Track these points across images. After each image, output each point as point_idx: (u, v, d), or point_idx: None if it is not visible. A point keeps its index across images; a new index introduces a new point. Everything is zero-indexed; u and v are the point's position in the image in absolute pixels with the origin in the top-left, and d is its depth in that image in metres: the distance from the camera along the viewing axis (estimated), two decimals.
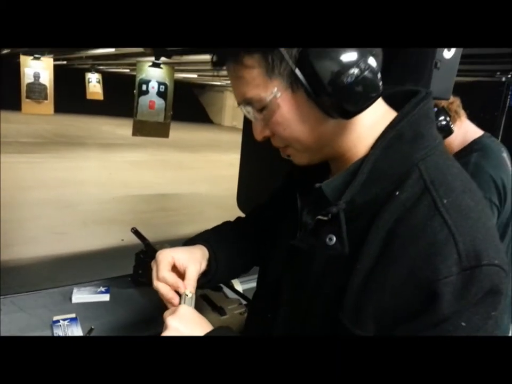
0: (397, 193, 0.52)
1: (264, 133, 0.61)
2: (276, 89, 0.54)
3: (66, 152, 8.79)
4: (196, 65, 6.32)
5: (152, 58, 3.98)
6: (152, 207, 5.71)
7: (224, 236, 0.84)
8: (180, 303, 0.66)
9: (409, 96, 0.59)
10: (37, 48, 5.12)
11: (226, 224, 0.89)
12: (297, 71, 0.51)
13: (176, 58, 4.11)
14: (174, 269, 0.71)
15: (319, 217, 0.56)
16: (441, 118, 1.34)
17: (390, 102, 0.61)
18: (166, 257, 0.70)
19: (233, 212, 0.92)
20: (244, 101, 0.57)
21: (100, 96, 9.73)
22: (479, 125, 1.49)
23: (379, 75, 0.51)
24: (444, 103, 1.36)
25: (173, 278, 0.69)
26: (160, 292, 0.68)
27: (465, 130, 1.44)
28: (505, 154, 1.40)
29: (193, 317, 0.63)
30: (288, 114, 0.56)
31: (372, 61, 0.50)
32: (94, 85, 9.53)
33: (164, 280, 0.68)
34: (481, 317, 0.47)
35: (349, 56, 0.49)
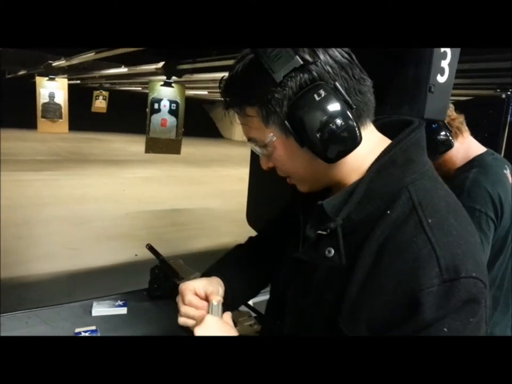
0: (388, 212, 0.59)
1: (268, 165, 0.70)
2: (271, 134, 0.63)
3: (80, 169, 8.99)
4: (207, 83, 6.47)
5: (164, 78, 4.12)
6: (164, 222, 5.81)
7: (235, 263, 0.92)
8: (207, 313, 0.72)
9: (403, 125, 0.67)
10: (51, 69, 5.29)
11: (237, 249, 0.97)
12: (287, 123, 0.60)
13: (186, 77, 4.23)
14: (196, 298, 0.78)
15: (319, 231, 0.63)
16: (442, 133, 1.39)
17: (386, 130, 0.68)
18: (188, 287, 0.77)
19: (245, 227, 0.98)
20: (249, 139, 0.68)
21: (103, 110, 9.98)
22: (481, 141, 1.54)
23: (357, 127, 0.59)
24: (446, 119, 1.42)
25: (198, 300, 0.76)
26: (190, 314, 0.75)
27: (467, 147, 1.48)
28: (507, 171, 1.45)
29: (218, 326, 0.69)
30: (284, 154, 0.65)
31: (351, 116, 0.59)
32: (100, 101, 9.82)
33: (189, 304, 0.75)
34: (461, 323, 0.53)
35: (330, 112, 0.58)
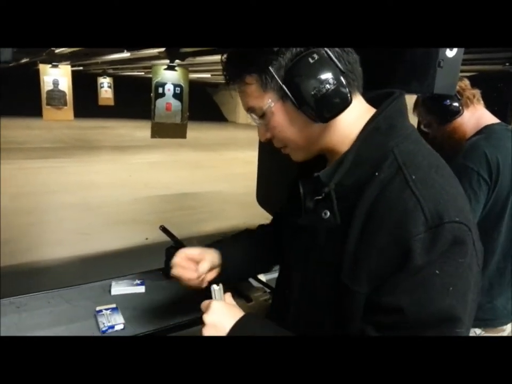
0: (376, 174, 0.65)
1: (266, 135, 0.75)
2: (270, 100, 0.68)
3: (87, 156, 9.03)
4: (210, 66, 6.43)
5: (167, 61, 4.10)
6: (173, 206, 5.85)
7: (236, 241, 1.00)
8: (211, 298, 0.76)
9: (388, 96, 0.72)
10: (54, 56, 5.29)
11: (244, 232, 1.04)
12: (284, 87, 0.65)
13: (189, 60, 4.21)
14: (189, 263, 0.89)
15: (316, 197, 0.70)
16: (451, 100, 1.44)
17: (374, 102, 0.73)
18: (179, 253, 0.89)
19: (252, 209, 1.00)
20: (248, 109, 0.73)
21: (111, 102, 9.89)
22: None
23: (348, 89, 0.64)
24: (457, 88, 1.43)
25: (185, 263, 0.88)
26: (177, 275, 0.88)
27: (479, 117, 1.50)
28: None
29: (224, 310, 0.73)
30: (281, 119, 0.70)
31: (342, 78, 0.64)
32: (105, 90, 9.71)
33: (178, 264, 0.87)
34: (451, 264, 0.58)
35: (323, 75, 0.63)
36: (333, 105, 0.64)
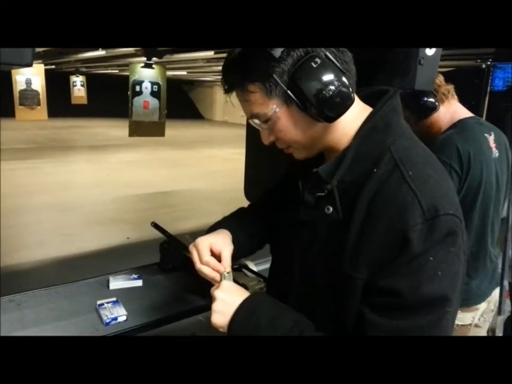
0: (375, 170, 0.69)
1: (269, 138, 0.78)
2: (274, 106, 0.70)
3: (62, 156, 8.88)
4: (186, 63, 6.41)
5: (144, 59, 4.07)
6: (152, 205, 5.84)
7: (241, 221, 1.01)
8: (221, 280, 0.81)
9: (381, 94, 0.77)
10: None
11: (241, 210, 1.07)
12: (289, 92, 0.68)
13: (167, 58, 4.19)
14: (211, 252, 0.86)
15: (319, 194, 0.74)
16: (427, 97, 1.53)
17: (367, 99, 0.78)
18: (205, 244, 0.84)
19: (232, 206, 1.05)
20: (252, 116, 0.75)
21: (84, 101, 9.71)
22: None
23: (350, 89, 0.68)
24: None
25: (214, 261, 0.84)
26: (205, 273, 0.83)
27: (453, 112, 1.59)
28: (490, 136, 1.56)
29: (234, 289, 0.79)
30: (287, 123, 0.72)
31: (344, 79, 0.68)
32: (78, 88, 9.52)
33: (207, 264, 0.83)
34: (444, 252, 0.64)
35: (326, 77, 0.67)
36: (337, 105, 0.68)
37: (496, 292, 1.62)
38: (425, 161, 0.72)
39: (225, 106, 18.07)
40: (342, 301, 0.71)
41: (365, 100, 0.78)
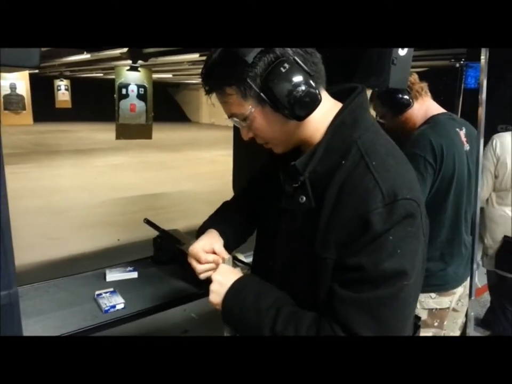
0: (343, 162, 0.77)
1: (248, 135, 0.86)
2: (250, 106, 0.78)
3: (48, 160, 8.84)
4: (171, 66, 6.46)
5: (129, 62, 4.10)
6: (141, 207, 5.87)
7: (226, 215, 1.10)
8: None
9: (351, 91, 0.85)
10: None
11: (225, 205, 1.16)
12: (262, 94, 0.75)
13: (152, 60, 4.23)
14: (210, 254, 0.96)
15: (294, 185, 0.83)
16: (402, 94, 1.63)
17: (338, 96, 0.86)
18: (197, 248, 0.93)
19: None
20: (231, 115, 0.82)
21: (68, 104, 9.65)
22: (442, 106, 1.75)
23: (317, 90, 0.76)
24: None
25: (212, 256, 0.93)
26: (209, 269, 0.92)
27: (427, 108, 1.69)
28: (461, 131, 1.66)
29: (229, 271, 0.88)
30: (262, 121, 0.80)
31: (311, 81, 0.75)
32: (62, 92, 9.48)
33: (207, 261, 0.92)
34: (402, 231, 0.73)
35: (295, 80, 0.74)
36: (306, 105, 0.75)
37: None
38: (388, 152, 0.80)
39: (212, 108, 17.95)
40: (317, 280, 0.79)
41: (337, 96, 0.86)
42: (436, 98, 1.77)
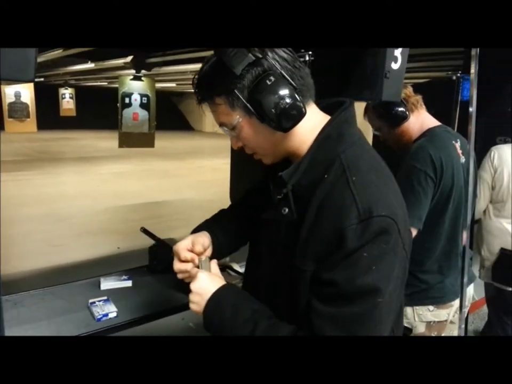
0: (326, 176, 0.78)
1: (237, 144, 0.88)
2: (238, 116, 0.80)
3: (51, 168, 8.91)
4: (175, 75, 6.52)
5: (133, 71, 4.16)
6: (143, 215, 5.89)
7: (220, 220, 1.11)
8: (198, 268, 0.90)
9: (340, 105, 0.87)
10: None
11: (222, 211, 1.17)
12: (249, 105, 0.78)
13: (155, 70, 4.29)
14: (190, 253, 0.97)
15: (278, 196, 0.84)
16: (398, 107, 1.64)
17: (328, 109, 0.88)
18: (180, 246, 0.95)
19: None
20: (220, 124, 0.84)
21: (73, 113, 9.73)
22: (438, 119, 1.76)
23: (302, 103, 0.77)
24: (402, 96, 1.63)
25: (190, 254, 0.94)
26: (188, 269, 0.93)
27: (422, 121, 1.70)
28: (456, 143, 1.68)
29: (208, 279, 0.87)
30: (249, 131, 0.82)
31: (295, 94, 0.77)
32: (67, 101, 9.55)
33: (185, 259, 0.93)
34: (376, 248, 0.73)
35: (280, 93, 0.76)
36: (290, 117, 0.77)
37: (469, 289, 1.73)
38: (371, 167, 0.82)
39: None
40: (298, 291, 0.80)
41: (327, 110, 0.88)
42: (433, 110, 1.78)
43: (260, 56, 0.76)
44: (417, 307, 1.59)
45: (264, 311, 0.83)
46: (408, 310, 1.59)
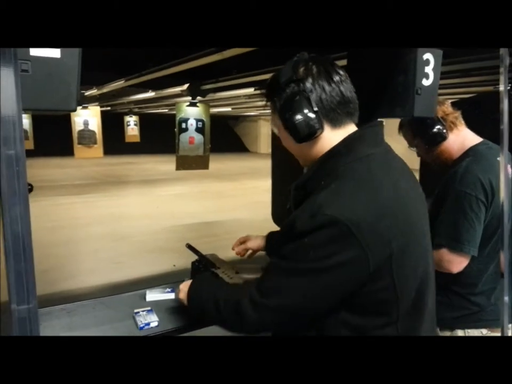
0: (322, 183, 0.89)
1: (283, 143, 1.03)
2: (278, 120, 0.97)
3: (116, 190, 9.47)
4: (229, 100, 6.78)
5: (189, 98, 4.41)
6: (198, 234, 6.08)
7: None
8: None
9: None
10: (84, 98, 5.66)
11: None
12: (277, 113, 0.96)
13: (210, 96, 4.50)
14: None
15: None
16: (436, 126, 1.59)
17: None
18: (245, 237, 1.54)
19: None
20: (272, 124, 1.02)
21: (137, 139, 10.37)
22: (484, 134, 1.70)
23: (316, 121, 0.90)
24: (439, 113, 1.60)
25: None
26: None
27: (463, 139, 1.62)
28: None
29: (187, 282, 1.23)
30: (283, 135, 0.99)
31: (311, 114, 0.89)
32: (132, 127, 10.20)
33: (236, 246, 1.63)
34: (322, 237, 0.82)
35: (300, 111, 0.89)
36: (303, 132, 0.91)
37: None
38: (354, 179, 0.88)
39: (269, 139, 18.32)
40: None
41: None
42: (477, 127, 1.72)
43: (301, 77, 0.90)
44: (469, 330, 1.53)
45: (228, 289, 1.11)
46: (459, 333, 1.54)
